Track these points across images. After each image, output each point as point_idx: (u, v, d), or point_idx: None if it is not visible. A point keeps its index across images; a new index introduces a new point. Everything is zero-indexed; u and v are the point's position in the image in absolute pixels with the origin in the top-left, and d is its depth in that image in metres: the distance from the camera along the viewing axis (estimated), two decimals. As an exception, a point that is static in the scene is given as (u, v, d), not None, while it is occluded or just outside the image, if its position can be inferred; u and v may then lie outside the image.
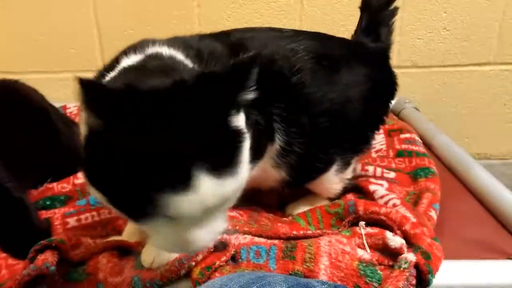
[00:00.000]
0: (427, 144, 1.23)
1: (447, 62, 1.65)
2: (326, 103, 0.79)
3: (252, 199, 0.92)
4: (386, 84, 0.92)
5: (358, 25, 0.96)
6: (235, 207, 0.84)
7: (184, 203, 0.49)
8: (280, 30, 0.85)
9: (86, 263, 0.73)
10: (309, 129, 0.78)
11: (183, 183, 0.48)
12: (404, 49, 1.65)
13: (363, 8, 0.95)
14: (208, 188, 0.49)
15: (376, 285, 0.65)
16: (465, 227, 0.87)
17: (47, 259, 0.69)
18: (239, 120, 0.54)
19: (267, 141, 0.77)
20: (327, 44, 0.86)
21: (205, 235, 0.54)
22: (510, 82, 1.64)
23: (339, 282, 0.65)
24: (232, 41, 0.78)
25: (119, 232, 0.84)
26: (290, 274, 0.67)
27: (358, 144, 0.88)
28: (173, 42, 0.70)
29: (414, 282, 0.64)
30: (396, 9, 0.94)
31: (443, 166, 1.14)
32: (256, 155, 0.74)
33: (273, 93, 0.75)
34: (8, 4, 1.58)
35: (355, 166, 0.95)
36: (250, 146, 0.64)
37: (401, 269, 0.65)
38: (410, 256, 0.66)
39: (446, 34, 1.61)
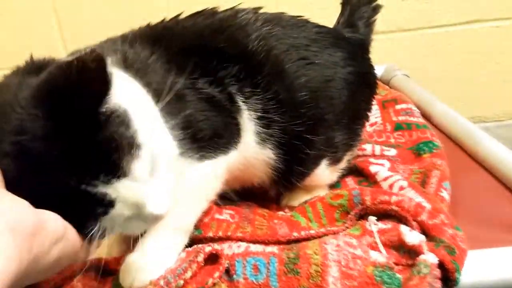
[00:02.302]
0: (424, 114, 1.15)
1: (435, 22, 1.56)
2: (302, 78, 0.75)
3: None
4: (367, 74, 0.87)
5: (337, 20, 0.93)
6: (224, 205, 0.76)
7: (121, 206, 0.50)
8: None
9: (59, 290, 0.63)
10: (287, 100, 0.73)
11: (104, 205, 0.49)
12: (388, 12, 1.54)
13: (344, 3, 0.93)
14: (126, 191, 0.50)
15: (395, 292, 0.56)
16: (481, 206, 0.79)
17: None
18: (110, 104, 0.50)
19: (230, 111, 0.70)
20: (294, 21, 0.82)
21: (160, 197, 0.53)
22: (502, 39, 1.56)
23: (353, 293, 0.56)
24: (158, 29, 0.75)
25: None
26: (296, 293, 0.58)
27: (346, 135, 0.82)
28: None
29: (438, 285, 0.56)
30: (378, 7, 0.92)
31: (445, 137, 1.05)
32: (228, 131, 0.70)
33: (220, 59, 0.70)
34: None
35: (349, 158, 0.88)
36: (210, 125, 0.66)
37: (421, 274, 0.56)
38: (430, 258, 0.57)
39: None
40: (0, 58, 1.46)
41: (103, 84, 0.48)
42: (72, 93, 0.47)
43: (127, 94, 0.54)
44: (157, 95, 0.59)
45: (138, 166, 0.50)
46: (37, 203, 0.46)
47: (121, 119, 0.50)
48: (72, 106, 0.47)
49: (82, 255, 0.52)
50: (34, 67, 0.55)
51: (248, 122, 0.72)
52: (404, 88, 1.32)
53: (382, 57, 1.58)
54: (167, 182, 0.55)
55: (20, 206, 0.44)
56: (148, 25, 0.76)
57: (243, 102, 0.71)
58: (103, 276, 0.65)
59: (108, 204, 0.49)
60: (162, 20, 0.76)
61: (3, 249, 0.40)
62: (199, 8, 0.78)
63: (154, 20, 0.76)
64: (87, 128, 0.48)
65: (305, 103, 0.75)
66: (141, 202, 0.51)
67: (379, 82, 1.32)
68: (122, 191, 0.49)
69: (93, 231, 0.50)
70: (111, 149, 0.49)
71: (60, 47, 1.50)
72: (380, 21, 1.50)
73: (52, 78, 0.48)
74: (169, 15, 0.77)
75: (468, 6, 1.53)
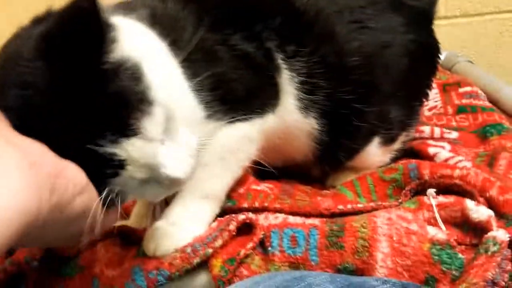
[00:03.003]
0: (490, 100, 1.04)
1: (503, 7, 1.43)
2: (354, 42, 0.68)
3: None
4: (430, 46, 0.78)
5: None
6: (262, 179, 0.69)
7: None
8: None
9: (79, 255, 0.59)
10: (336, 64, 0.67)
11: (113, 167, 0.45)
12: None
13: None
14: (136, 151, 0.45)
15: (456, 274, 0.48)
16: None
17: (28, 252, 0.56)
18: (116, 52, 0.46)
19: (267, 69, 0.64)
20: None
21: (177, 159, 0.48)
22: None
23: (405, 273, 0.48)
24: None
25: (127, 216, 0.70)
26: (339, 269, 0.51)
27: (402, 111, 0.75)
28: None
29: (509, 267, 0.47)
30: None
31: (515, 122, 0.94)
32: (264, 91, 0.64)
33: (259, 12, 0.65)
34: None
35: (404, 139, 0.79)
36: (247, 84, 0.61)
37: (489, 253, 0.47)
38: (500, 234, 0.48)
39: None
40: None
41: (99, 27, 0.44)
42: (69, 40, 0.43)
43: (142, 48, 0.50)
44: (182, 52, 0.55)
45: (149, 124, 0.46)
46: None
47: (130, 73, 0.46)
48: (73, 56, 0.43)
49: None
50: (44, 16, 0.51)
51: (288, 84, 0.66)
52: (467, 74, 1.21)
53: (444, 44, 1.47)
54: (186, 144, 0.50)
55: (40, 146, 0.41)
56: None
57: (284, 60, 0.65)
58: (128, 244, 0.61)
59: (117, 165, 0.45)
60: None
61: (23, 186, 0.36)
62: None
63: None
64: (93, 81, 0.44)
65: (357, 69, 0.68)
66: (153, 163, 0.46)
67: (439, 67, 1.23)
68: (132, 151, 0.45)
69: (104, 195, 0.45)
70: (119, 105, 0.45)
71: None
72: (443, 5, 1.43)
73: (50, 26, 0.45)
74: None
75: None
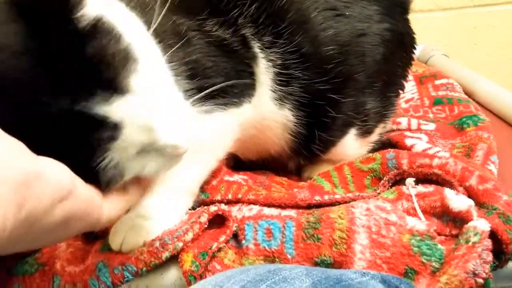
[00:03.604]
0: (467, 92, 1.03)
1: (477, 1, 1.44)
2: (329, 30, 0.66)
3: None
4: (406, 36, 0.76)
5: None
6: (237, 171, 0.67)
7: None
8: None
9: (39, 250, 0.55)
10: (311, 54, 0.64)
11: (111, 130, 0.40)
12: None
13: None
14: (132, 109, 0.41)
15: (436, 265, 0.46)
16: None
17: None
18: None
19: (244, 57, 0.62)
20: None
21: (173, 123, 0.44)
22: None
23: (384, 266, 0.46)
24: None
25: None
26: (316, 262, 0.49)
27: (378, 102, 0.73)
28: None
29: (490, 258, 0.45)
30: None
31: (490, 113, 0.94)
32: (241, 80, 0.61)
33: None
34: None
35: (381, 131, 0.78)
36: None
37: (470, 244, 0.46)
38: (481, 224, 0.47)
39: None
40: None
41: None
42: None
43: (116, 13, 0.44)
44: (155, 37, 0.50)
45: (138, 81, 0.41)
46: (26, 135, 0.37)
47: (108, 30, 0.42)
48: (48, 14, 0.38)
49: (100, 217, 0.41)
50: None
51: (264, 73, 0.64)
52: (443, 67, 1.21)
53: (419, 37, 1.47)
54: (181, 108, 0.46)
55: (9, 148, 0.35)
56: None
57: (261, 49, 0.62)
58: (91, 239, 0.57)
59: (113, 127, 0.40)
60: None
61: None
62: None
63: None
64: (72, 40, 0.39)
65: (332, 58, 0.66)
66: (149, 125, 0.42)
67: (415, 60, 1.23)
68: (126, 111, 0.40)
69: (104, 165, 0.40)
70: (103, 64, 0.40)
71: None
72: (418, -1, 1.43)
73: None
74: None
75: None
